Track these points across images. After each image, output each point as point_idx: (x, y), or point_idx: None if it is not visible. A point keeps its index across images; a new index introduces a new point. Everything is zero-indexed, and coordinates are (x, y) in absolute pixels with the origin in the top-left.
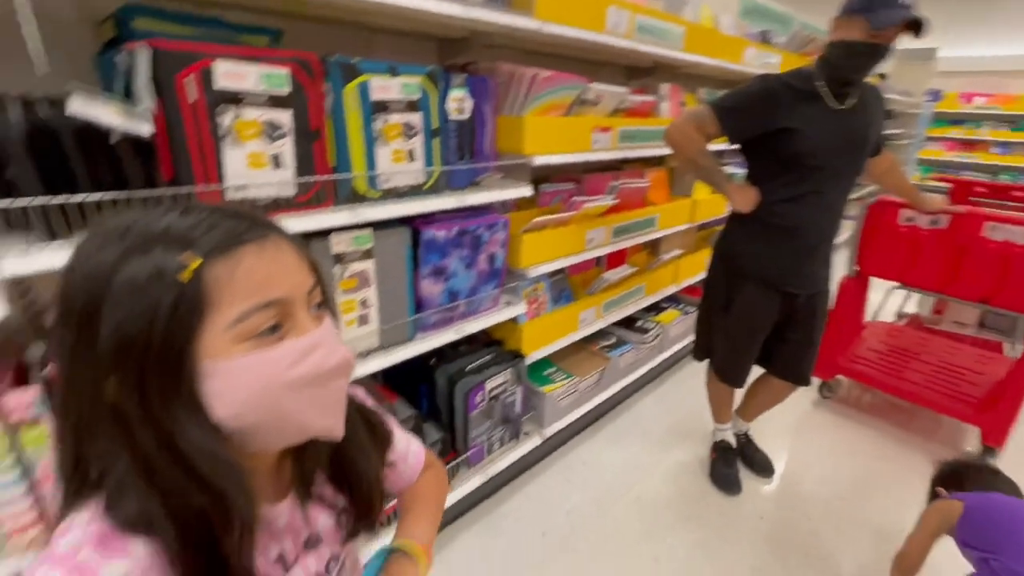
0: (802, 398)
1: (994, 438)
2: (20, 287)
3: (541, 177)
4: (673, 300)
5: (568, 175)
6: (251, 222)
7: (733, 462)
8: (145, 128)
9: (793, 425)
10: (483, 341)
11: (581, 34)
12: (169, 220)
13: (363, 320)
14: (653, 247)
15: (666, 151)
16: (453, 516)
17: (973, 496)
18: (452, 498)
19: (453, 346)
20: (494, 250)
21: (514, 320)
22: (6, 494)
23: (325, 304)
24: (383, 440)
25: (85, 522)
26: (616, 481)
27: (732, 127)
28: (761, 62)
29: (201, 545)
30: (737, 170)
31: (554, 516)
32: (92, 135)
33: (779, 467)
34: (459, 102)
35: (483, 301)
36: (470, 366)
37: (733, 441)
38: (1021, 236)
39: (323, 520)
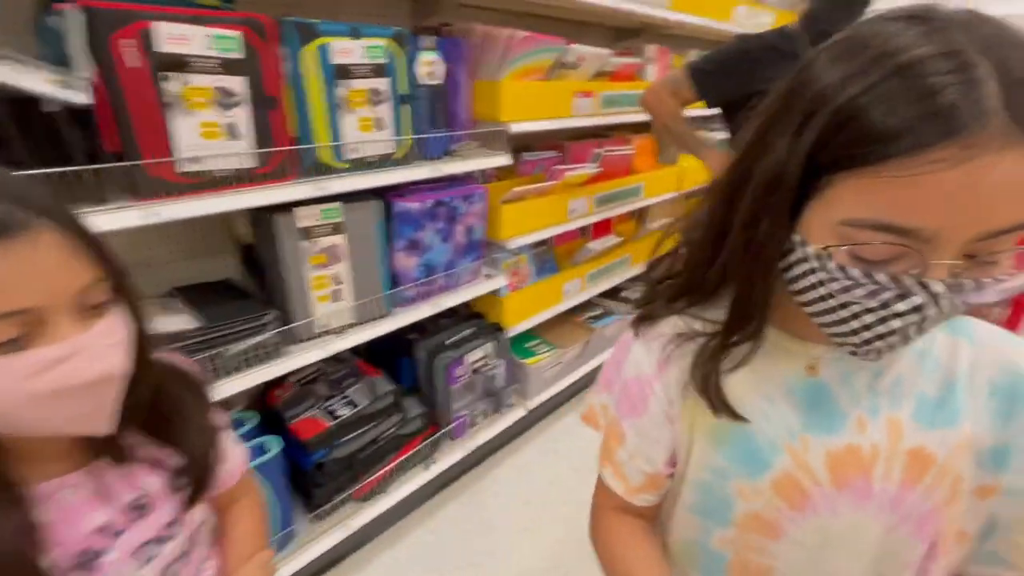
0: None
1: None
2: None
3: (522, 145)
4: None
5: (551, 143)
6: (5, 210)
7: None
8: (80, 97)
9: None
10: (465, 314)
11: None
12: None
13: (336, 296)
14: (639, 216)
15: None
16: (438, 487)
17: None
18: (436, 470)
19: (435, 320)
20: (472, 222)
21: (495, 293)
22: None
23: (116, 299)
24: (203, 397)
25: None
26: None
27: (707, 91)
28: (753, 21)
29: None
30: (723, 135)
31: (538, 486)
32: (29, 106)
33: None
34: (430, 66)
35: (462, 274)
36: (450, 340)
37: None
38: None
39: (150, 482)
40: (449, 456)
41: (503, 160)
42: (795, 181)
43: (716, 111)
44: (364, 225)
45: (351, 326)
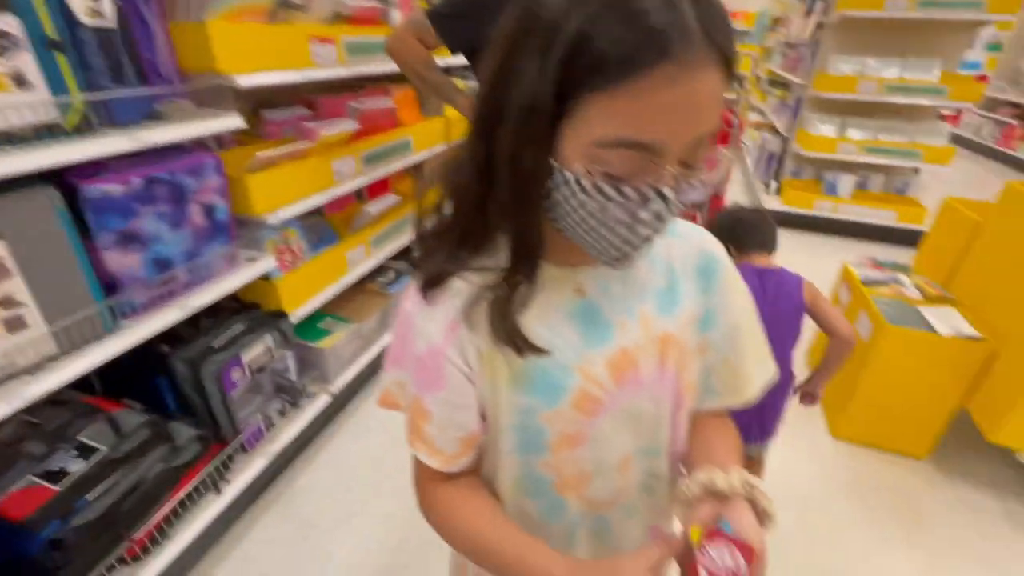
0: None
1: None
2: None
3: (263, 102)
4: None
5: (299, 98)
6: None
7: None
8: None
9: None
10: (234, 309)
11: None
12: None
13: (15, 324)
14: (417, 172)
15: None
16: (244, 506)
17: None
18: (235, 490)
19: (192, 323)
20: (209, 200)
21: (266, 277)
22: None
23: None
24: None
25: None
26: None
27: (446, 34)
28: None
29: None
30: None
31: (357, 469)
32: None
33: None
34: (91, 2)
35: (213, 264)
36: (216, 342)
37: None
38: None
39: None
40: (248, 470)
41: (233, 121)
42: (549, 106)
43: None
44: (34, 223)
45: (52, 359)
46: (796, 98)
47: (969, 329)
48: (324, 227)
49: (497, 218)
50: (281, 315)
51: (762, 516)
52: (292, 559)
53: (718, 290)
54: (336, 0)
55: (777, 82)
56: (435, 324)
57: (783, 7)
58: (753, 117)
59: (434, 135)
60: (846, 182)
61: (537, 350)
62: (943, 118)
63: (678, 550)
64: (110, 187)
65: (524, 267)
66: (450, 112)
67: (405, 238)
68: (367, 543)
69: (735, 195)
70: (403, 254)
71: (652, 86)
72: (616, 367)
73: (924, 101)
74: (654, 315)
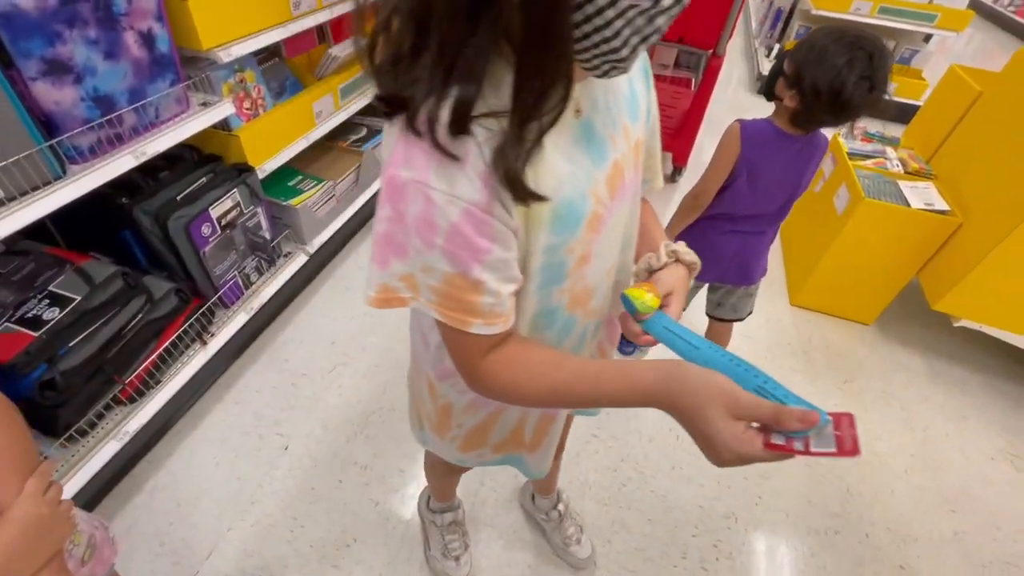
0: None
1: (680, 159)
2: None
3: None
4: None
5: None
6: None
7: None
8: None
9: None
10: (196, 161)
11: None
12: None
13: None
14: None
15: None
16: (229, 358)
17: (747, 121)
18: (219, 343)
19: (151, 174)
20: (145, 25)
21: (225, 126)
22: None
23: None
24: None
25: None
26: None
27: None
28: None
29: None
30: None
31: (340, 324)
32: None
33: None
34: None
35: (162, 106)
36: (181, 195)
37: None
38: None
39: None
40: (230, 324)
41: None
42: None
43: None
44: None
45: None
46: None
47: (941, 203)
48: (286, 73)
49: (505, 37)
50: (247, 168)
51: (691, 268)
52: (284, 401)
53: (650, 84)
54: None
55: None
56: (468, 182)
57: None
58: None
59: None
60: None
61: (537, 197)
62: None
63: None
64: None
65: (556, 96)
66: None
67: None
68: (355, 389)
69: (734, 61)
70: (373, 110)
71: None
72: (611, 182)
73: None
74: (629, 123)
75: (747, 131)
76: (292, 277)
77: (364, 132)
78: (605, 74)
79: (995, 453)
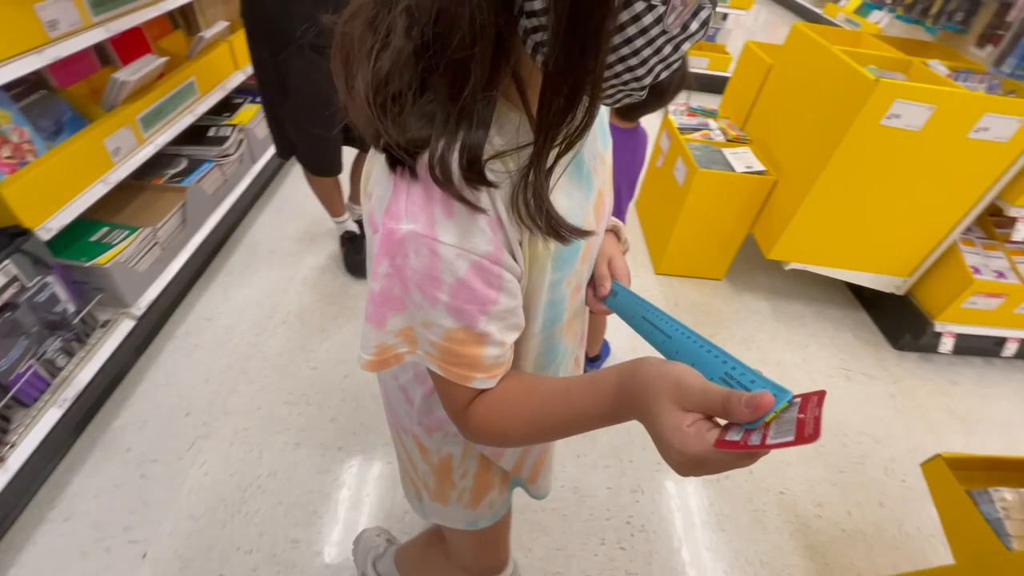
0: None
1: None
2: None
3: None
4: (246, 92)
5: None
6: None
7: (361, 247)
8: None
9: None
10: None
11: None
12: None
13: None
14: (187, 23)
15: None
16: (49, 458)
17: None
18: (28, 447)
19: None
20: None
21: None
22: None
23: None
24: None
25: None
26: (256, 316)
27: None
28: None
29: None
30: None
31: (193, 392)
32: None
33: None
34: None
35: None
36: None
37: (356, 228)
38: None
39: None
40: (38, 426)
41: None
42: None
43: None
44: None
45: None
46: None
47: (759, 165)
48: (60, 106)
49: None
50: (20, 232)
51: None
52: (133, 499)
53: None
54: None
55: None
56: (481, 233)
57: None
58: None
59: None
60: None
61: (583, 233)
62: None
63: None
64: None
65: (580, 129)
66: None
67: (189, 114)
68: (223, 463)
69: None
70: (192, 135)
71: None
72: (596, 211)
73: None
74: (603, 150)
75: None
76: (118, 349)
77: (184, 164)
78: (617, 102)
79: (832, 371)
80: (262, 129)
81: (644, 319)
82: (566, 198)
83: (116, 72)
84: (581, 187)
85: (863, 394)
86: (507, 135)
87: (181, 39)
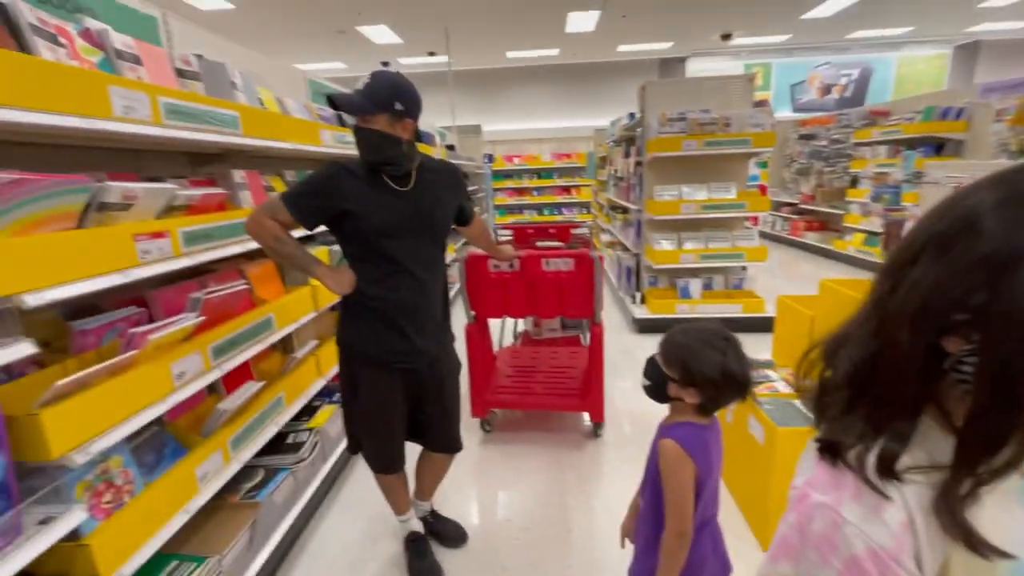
0: (470, 439)
1: (597, 416)
2: None
3: (82, 308)
4: (325, 394)
5: (131, 298)
6: None
7: (425, 551)
8: None
9: (471, 471)
10: None
11: (66, 121)
12: None
13: None
14: (285, 345)
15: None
16: None
17: (674, 429)
18: None
19: None
20: None
21: (73, 535)
22: None
23: None
24: None
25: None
26: None
27: (300, 214)
28: (341, 142)
29: None
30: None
31: None
32: None
33: (471, 519)
34: None
35: None
36: None
37: (420, 527)
38: (564, 265)
39: None
40: None
41: (22, 349)
42: None
43: (320, 229)
44: None
45: None
46: (636, 220)
47: None
48: (164, 439)
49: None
50: None
51: None
52: None
53: None
54: (167, 193)
55: (617, 207)
56: (883, 527)
57: (606, 149)
58: (605, 237)
59: (301, 306)
60: (695, 285)
61: (1003, 554)
62: (753, 221)
63: None
64: None
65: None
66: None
67: (274, 427)
68: None
69: (608, 309)
70: (273, 444)
71: None
72: None
73: (732, 214)
74: None
75: (686, 443)
76: None
77: (261, 476)
78: None
79: None
80: (335, 427)
81: None
82: (1008, 516)
83: (221, 402)
84: None
85: None
86: (927, 449)
87: (277, 359)
